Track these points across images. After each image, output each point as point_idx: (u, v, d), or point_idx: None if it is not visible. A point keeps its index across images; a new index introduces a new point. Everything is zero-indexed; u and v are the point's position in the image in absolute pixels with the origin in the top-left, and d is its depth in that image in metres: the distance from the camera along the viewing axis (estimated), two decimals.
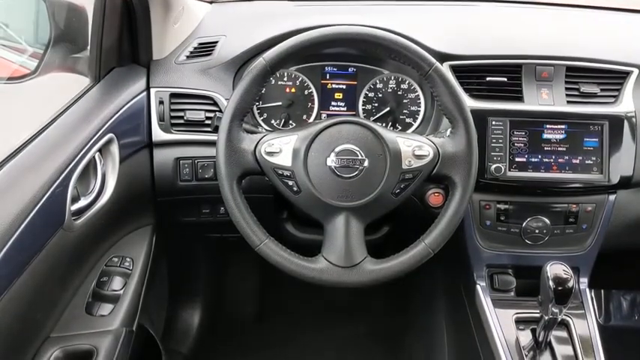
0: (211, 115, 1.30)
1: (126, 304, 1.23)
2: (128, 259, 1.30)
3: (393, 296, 2.07)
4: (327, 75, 1.42)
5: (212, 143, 1.13)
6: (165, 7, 1.35)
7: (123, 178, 1.23)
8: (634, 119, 1.31)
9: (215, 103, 1.32)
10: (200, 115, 1.31)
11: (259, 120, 1.41)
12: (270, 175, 1.10)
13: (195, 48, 1.41)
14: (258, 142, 1.10)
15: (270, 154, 1.09)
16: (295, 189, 1.09)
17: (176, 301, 1.90)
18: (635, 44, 1.50)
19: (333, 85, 1.42)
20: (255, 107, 1.41)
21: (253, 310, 2.11)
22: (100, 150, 1.17)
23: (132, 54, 1.37)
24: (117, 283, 1.25)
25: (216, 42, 1.41)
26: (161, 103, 1.32)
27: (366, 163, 1.08)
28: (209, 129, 1.29)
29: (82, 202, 1.13)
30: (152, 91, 1.33)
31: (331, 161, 1.08)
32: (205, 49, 1.40)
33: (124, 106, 1.25)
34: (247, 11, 1.66)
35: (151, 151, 1.33)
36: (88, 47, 1.29)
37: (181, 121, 1.32)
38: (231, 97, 1.09)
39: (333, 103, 1.43)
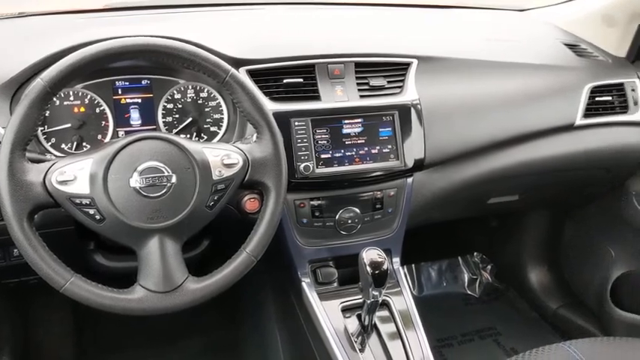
0: None
1: None
2: None
3: (224, 309, 2.03)
4: (119, 90, 1.33)
5: None
6: None
7: None
8: (419, 106, 1.42)
9: None
10: None
11: (47, 146, 1.27)
12: (66, 206, 0.99)
13: None
14: (47, 172, 0.99)
15: (63, 182, 0.98)
16: (98, 217, 1.00)
17: None
18: (414, 37, 1.64)
19: (128, 100, 1.33)
20: (40, 132, 1.26)
21: (71, 354, 1.91)
22: None
23: None
24: None
25: None
26: None
27: (174, 179, 1.03)
28: None
29: None
30: None
31: (135, 182, 1.00)
32: None
33: None
34: (19, 28, 1.48)
35: None
36: None
37: None
38: (8, 126, 0.96)
39: (130, 119, 1.33)
